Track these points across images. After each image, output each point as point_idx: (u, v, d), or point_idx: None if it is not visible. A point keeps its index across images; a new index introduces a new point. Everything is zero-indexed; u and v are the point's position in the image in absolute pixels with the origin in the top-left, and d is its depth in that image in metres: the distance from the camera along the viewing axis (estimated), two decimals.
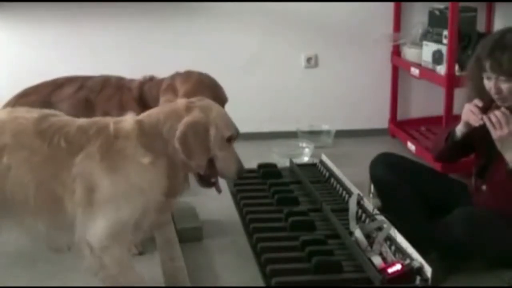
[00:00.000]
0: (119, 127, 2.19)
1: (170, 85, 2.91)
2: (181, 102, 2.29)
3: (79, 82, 3.05)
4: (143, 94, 2.97)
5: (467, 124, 2.71)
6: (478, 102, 2.66)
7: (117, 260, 2.18)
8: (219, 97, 2.83)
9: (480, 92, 2.69)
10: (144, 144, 2.17)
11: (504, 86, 2.59)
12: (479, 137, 2.71)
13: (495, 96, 2.63)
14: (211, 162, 2.26)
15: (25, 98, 3.01)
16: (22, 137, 2.16)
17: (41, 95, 3.02)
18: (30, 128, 2.16)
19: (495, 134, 2.59)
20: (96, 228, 2.13)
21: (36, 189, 2.14)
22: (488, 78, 2.64)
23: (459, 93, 3.34)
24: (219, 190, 2.39)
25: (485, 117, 2.60)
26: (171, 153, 2.19)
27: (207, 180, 2.34)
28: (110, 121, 2.23)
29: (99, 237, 2.13)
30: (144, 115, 2.27)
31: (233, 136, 2.28)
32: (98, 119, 2.27)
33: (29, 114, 2.24)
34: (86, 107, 2.94)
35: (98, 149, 2.14)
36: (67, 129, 2.18)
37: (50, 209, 2.16)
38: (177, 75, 2.97)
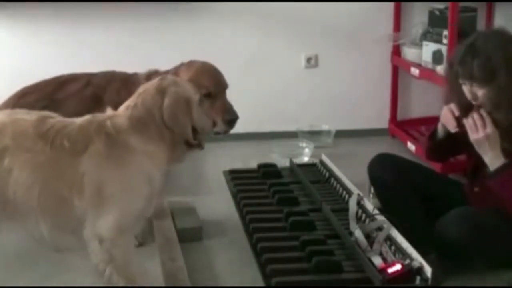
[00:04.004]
0: (116, 122, 2.23)
1: (175, 73, 2.95)
2: (151, 84, 2.34)
3: (85, 79, 3.08)
4: None
5: (445, 127, 2.72)
6: (454, 108, 2.64)
7: (125, 251, 2.23)
8: (220, 83, 2.98)
9: (458, 95, 2.66)
10: (144, 132, 2.23)
11: (479, 92, 2.56)
12: (464, 138, 2.65)
13: (472, 102, 2.60)
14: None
15: (25, 97, 3.01)
16: (23, 139, 2.17)
17: (43, 94, 3.02)
18: (30, 131, 2.18)
19: (471, 137, 2.55)
20: (107, 221, 2.16)
21: (40, 190, 2.15)
22: (464, 84, 2.61)
23: None
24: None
25: (464, 120, 2.57)
26: (166, 132, 2.27)
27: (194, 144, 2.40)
28: (105, 117, 2.27)
29: (110, 230, 2.17)
30: (128, 107, 2.29)
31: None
32: (93, 117, 2.29)
33: (28, 116, 2.25)
34: (95, 103, 2.95)
35: (104, 145, 2.18)
36: (68, 129, 2.20)
37: (54, 209, 2.18)
38: (181, 65, 3.04)
